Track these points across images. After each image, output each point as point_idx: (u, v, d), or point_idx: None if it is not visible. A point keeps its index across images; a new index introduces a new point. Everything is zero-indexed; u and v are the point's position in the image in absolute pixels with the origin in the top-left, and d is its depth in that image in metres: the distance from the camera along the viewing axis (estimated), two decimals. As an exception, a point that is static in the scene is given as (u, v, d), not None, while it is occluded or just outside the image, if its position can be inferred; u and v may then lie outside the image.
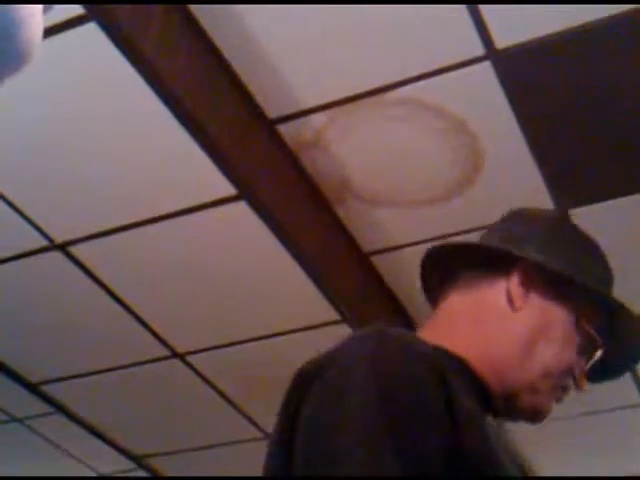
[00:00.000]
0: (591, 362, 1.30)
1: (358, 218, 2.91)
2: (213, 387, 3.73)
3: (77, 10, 2.14)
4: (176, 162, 2.61)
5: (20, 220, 2.86)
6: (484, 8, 2.17)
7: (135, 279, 3.14)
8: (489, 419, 1.21)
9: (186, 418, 4.00)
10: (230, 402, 3.84)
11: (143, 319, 3.33)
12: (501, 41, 2.25)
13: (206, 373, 3.65)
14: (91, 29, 2.18)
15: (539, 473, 4.30)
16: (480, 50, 2.28)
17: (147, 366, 3.59)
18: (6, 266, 3.08)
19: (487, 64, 2.32)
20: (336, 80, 2.42)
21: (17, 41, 0.70)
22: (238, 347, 3.46)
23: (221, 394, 3.78)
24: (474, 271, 1.31)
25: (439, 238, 2.91)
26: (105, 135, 2.55)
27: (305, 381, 1.11)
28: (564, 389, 1.30)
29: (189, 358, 3.55)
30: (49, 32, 2.17)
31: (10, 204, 2.80)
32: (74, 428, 4.08)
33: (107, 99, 2.43)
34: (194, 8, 2.23)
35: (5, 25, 0.68)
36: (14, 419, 4.10)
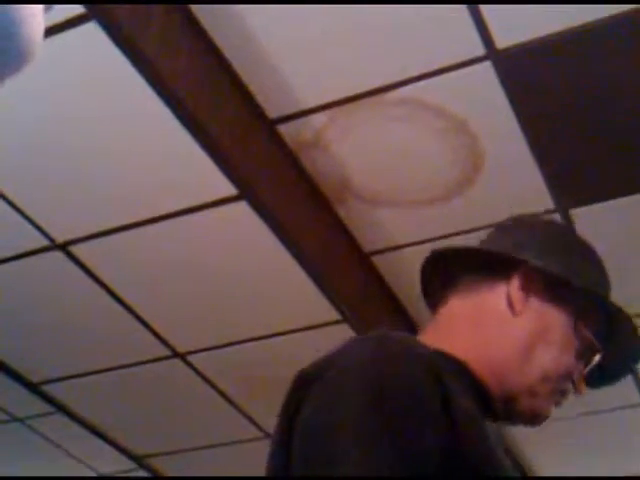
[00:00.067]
0: (589, 366, 1.32)
1: (358, 218, 2.91)
2: (213, 387, 3.74)
3: (77, 10, 2.14)
4: (177, 162, 2.61)
5: (21, 220, 2.86)
6: (484, 8, 2.17)
7: (136, 279, 3.14)
8: (488, 421, 1.22)
9: (186, 418, 4.00)
10: (231, 402, 3.84)
11: (144, 319, 3.33)
12: (501, 41, 2.25)
13: (206, 373, 3.65)
14: (91, 29, 2.18)
15: (539, 473, 4.30)
16: (480, 50, 2.28)
17: (148, 366, 3.59)
18: (7, 266, 3.08)
19: (487, 64, 2.32)
20: (336, 80, 2.42)
21: (18, 40, 0.70)
22: (239, 347, 3.46)
23: (221, 394, 3.78)
24: (474, 275, 1.33)
25: (439, 238, 2.91)
26: (106, 135, 2.55)
27: (305, 383, 1.12)
28: (563, 393, 1.31)
29: (189, 358, 3.56)
30: (50, 32, 2.17)
31: (11, 204, 2.80)
32: (75, 428, 4.08)
33: (108, 99, 2.43)
34: (195, 8, 2.24)
35: (6, 25, 0.68)
36: (15, 419, 4.10)
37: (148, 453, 4.34)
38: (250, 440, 4.10)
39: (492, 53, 2.29)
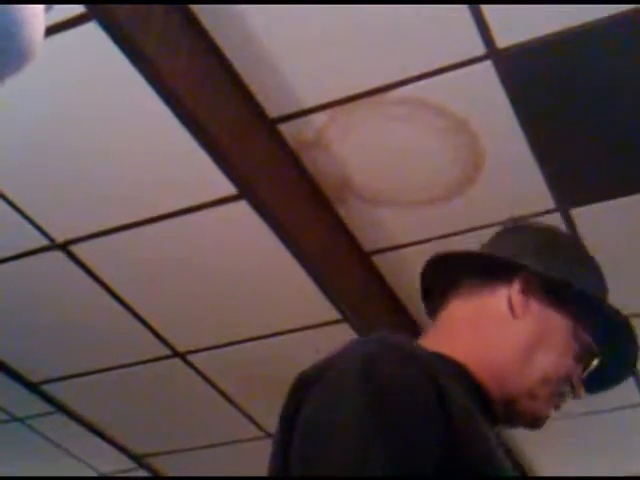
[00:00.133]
0: (588, 370, 1.34)
1: (359, 217, 2.91)
2: (214, 386, 3.74)
3: (78, 9, 2.14)
4: (177, 161, 2.61)
5: (21, 219, 2.86)
6: (485, 8, 2.17)
7: (136, 278, 3.14)
8: (489, 423, 1.22)
9: (187, 417, 4.00)
10: (231, 401, 3.84)
11: (144, 318, 3.33)
12: (502, 41, 2.25)
13: (207, 372, 3.65)
14: (92, 29, 2.18)
15: (539, 473, 4.30)
16: (481, 49, 2.29)
17: (148, 365, 3.59)
18: (7, 266, 3.08)
19: (488, 63, 2.32)
20: (337, 80, 2.42)
21: (19, 40, 0.70)
22: (239, 346, 3.46)
23: (222, 393, 3.78)
24: (475, 279, 1.34)
25: (440, 237, 2.91)
26: (106, 134, 2.55)
27: (306, 384, 1.13)
28: (562, 396, 1.33)
29: (190, 357, 3.56)
30: (50, 31, 2.16)
31: (11, 203, 2.80)
32: (74, 427, 4.08)
33: (108, 98, 2.43)
34: (195, 8, 2.24)
35: (7, 25, 0.69)
36: (15, 418, 4.10)
37: (148, 452, 4.34)
38: (250, 440, 4.10)
39: (492, 53, 2.29)
